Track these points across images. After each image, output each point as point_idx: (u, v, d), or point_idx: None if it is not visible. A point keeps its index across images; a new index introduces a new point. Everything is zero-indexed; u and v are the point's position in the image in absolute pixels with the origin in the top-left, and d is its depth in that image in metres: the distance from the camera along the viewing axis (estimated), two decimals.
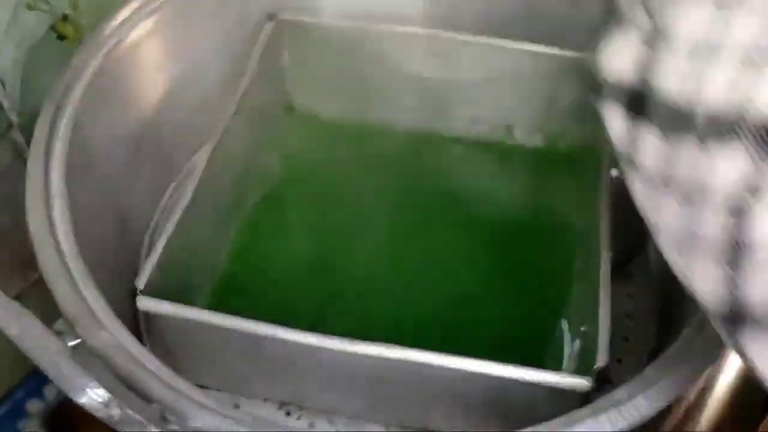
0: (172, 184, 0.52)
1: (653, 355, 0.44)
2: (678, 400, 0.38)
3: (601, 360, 0.34)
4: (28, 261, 0.48)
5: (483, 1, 0.53)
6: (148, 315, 0.44)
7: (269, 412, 0.42)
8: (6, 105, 0.44)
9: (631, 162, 0.26)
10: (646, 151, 0.25)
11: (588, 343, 0.37)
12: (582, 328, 0.40)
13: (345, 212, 0.49)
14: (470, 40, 0.49)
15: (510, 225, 0.49)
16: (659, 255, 0.49)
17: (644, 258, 0.49)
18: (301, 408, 0.42)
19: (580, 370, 0.37)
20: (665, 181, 0.24)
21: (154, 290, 0.37)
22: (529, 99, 0.51)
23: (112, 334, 0.32)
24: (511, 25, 0.52)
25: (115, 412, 0.28)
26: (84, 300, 0.33)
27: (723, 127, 0.22)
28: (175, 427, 0.29)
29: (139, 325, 0.45)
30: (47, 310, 0.50)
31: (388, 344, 0.34)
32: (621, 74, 0.26)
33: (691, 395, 0.40)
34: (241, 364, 0.40)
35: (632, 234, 0.48)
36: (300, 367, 0.38)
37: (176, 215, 0.40)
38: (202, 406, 0.30)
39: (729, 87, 0.22)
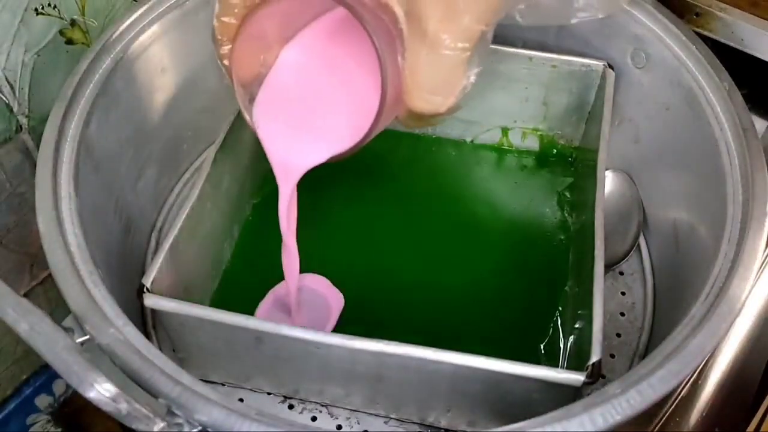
0: (177, 185, 0.53)
1: (646, 350, 0.45)
2: (670, 394, 0.39)
3: (595, 355, 0.34)
4: (37, 259, 0.49)
5: None
6: (154, 312, 0.45)
7: (273, 406, 0.42)
8: (15, 108, 0.44)
9: None
10: None
11: (582, 338, 0.38)
12: (576, 325, 0.41)
13: (344, 212, 0.50)
14: None
15: (506, 225, 0.50)
16: (652, 252, 0.50)
17: (637, 255, 0.49)
18: (303, 402, 0.43)
19: (574, 366, 0.37)
20: None
21: (161, 288, 0.37)
22: (525, 102, 0.51)
23: (120, 331, 0.32)
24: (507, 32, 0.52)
25: (123, 406, 0.28)
26: (92, 297, 0.33)
27: None
28: (182, 421, 0.29)
29: (146, 322, 0.46)
30: (55, 307, 0.51)
31: (387, 340, 0.34)
32: None
33: (683, 389, 0.41)
34: (245, 360, 0.40)
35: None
36: (302, 362, 0.38)
37: (182, 215, 0.40)
38: (207, 400, 0.30)
39: None
